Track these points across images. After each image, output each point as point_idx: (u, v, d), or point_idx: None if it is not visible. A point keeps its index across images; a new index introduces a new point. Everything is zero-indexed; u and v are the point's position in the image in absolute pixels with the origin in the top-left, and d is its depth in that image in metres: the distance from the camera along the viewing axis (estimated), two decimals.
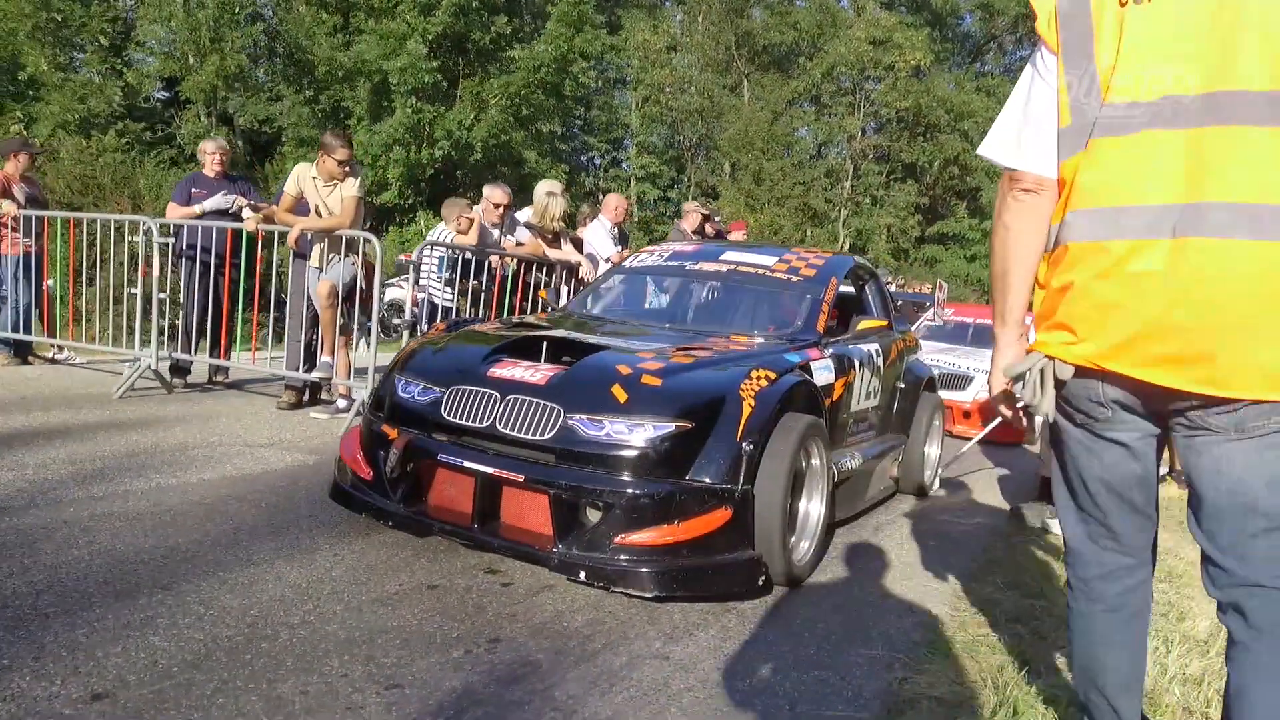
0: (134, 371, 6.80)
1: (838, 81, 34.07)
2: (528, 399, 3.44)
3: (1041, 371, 1.96)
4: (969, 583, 3.96)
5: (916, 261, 33.88)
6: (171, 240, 6.98)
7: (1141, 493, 2.00)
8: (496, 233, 7.36)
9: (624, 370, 3.48)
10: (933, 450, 6.11)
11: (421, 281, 6.95)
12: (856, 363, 4.64)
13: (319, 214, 6.40)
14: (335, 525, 3.89)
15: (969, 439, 8.65)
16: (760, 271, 4.83)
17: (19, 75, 18.26)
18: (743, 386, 3.50)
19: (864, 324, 4.50)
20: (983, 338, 10.58)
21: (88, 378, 7.35)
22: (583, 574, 3.16)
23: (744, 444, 3.35)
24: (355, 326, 6.50)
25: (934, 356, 9.55)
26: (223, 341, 7.19)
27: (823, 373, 4.23)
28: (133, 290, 7.02)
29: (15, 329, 7.62)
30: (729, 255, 5.04)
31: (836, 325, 4.76)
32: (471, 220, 6.95)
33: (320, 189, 6.37)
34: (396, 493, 3.62)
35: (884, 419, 5.37)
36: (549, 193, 7.87)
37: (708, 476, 3.30)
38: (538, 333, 4.02)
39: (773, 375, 3.61)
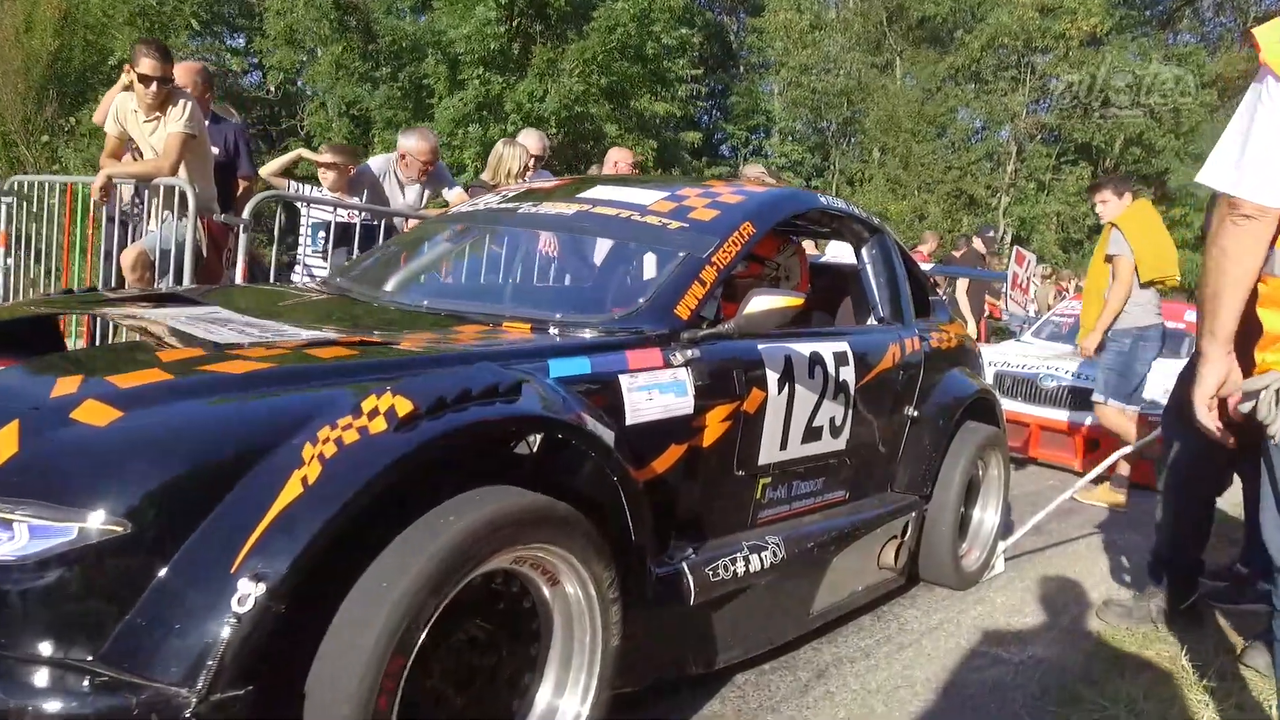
0: None
1: (999, 55, 30.82)
2: None
3: (1277, 391, 2.04)
4: None
5: (1090, 254, 30.05)
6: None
7: None
8: (415, 190, 5.54)
9: (65, 388, 1.56)
10: (986, 516, 3.86)
11: (301, 257, 5.25)
12: (773, 376, 2.53)
13: (134, 158, 4.79)
14: None
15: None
16: (625, 215, 2.77)
17: (108, 61, 17.96)
18: (321, 433, 1.52)
19: (759, 304, 2.35)
20: None
21: None
22: None
23: (243, 580, 1.36)
24: None
25: (1053, 363, 7.06)
26: None
27: (657, 396, 2.17)
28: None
29: None
30: (597, 192, 2.98)
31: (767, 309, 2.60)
32: (336, 168, 5.14)
33: (142, 124, 4.74)
34: None
35: (872, 470, 3.22)
36: (505, 141, 6.04)
37: (142, 663, 1.34)
38: (120, 308, 2.18)
39: (409, 406, 1.58)
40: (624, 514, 1.96)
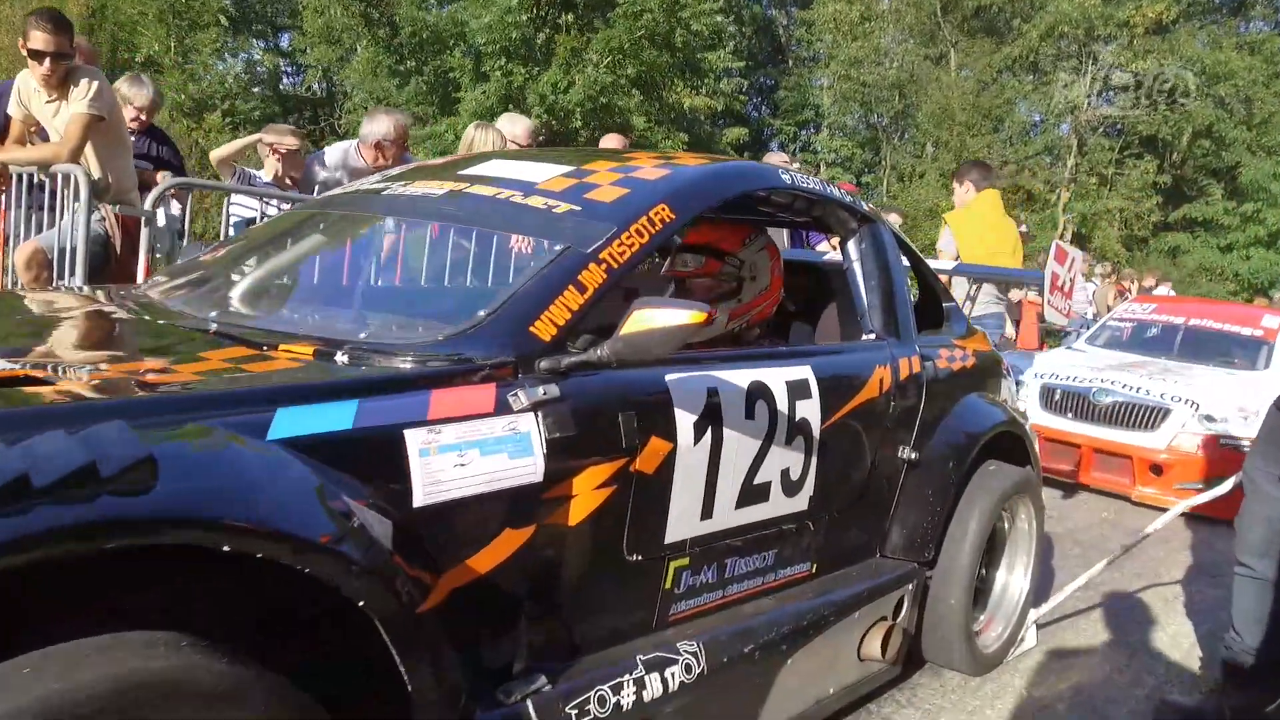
0: None
1: (1059, 45, 29.60)
2: None
3: None
4: None
5: (1155, 252, 28.74)
6: None
7: None
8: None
9: None
10: (1012, 579, 3.07)
11: None
12: (686, 419, 1.80)
13: (33, 141, 4.21)
14: None
15: (1160, 509, 5.33)
16: (504, 195, 2.06)
17: (136, 58, 17.77)
18: None
19: (642, 321, 1.62)
20: (1198, 346, 6.96)
21: None
22: None
23: None
24: None
25: (1108, 375, 6.16)
26: None
27: (475, 459, 1.46)
28: None
29: None
30: (487, 167, 2.29)
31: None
32: (289, 152, 4.52)
33: (45, 106, 4.15)
34: None
35: (850, 533, 2.47)
36: (478, 124, 5.38)
37: None
38: None
39: None
40: (390, 655, 1.25)
